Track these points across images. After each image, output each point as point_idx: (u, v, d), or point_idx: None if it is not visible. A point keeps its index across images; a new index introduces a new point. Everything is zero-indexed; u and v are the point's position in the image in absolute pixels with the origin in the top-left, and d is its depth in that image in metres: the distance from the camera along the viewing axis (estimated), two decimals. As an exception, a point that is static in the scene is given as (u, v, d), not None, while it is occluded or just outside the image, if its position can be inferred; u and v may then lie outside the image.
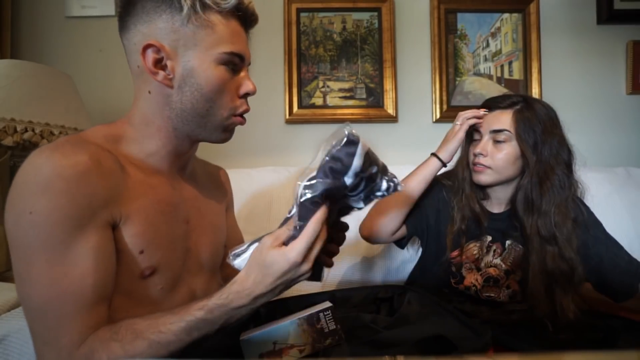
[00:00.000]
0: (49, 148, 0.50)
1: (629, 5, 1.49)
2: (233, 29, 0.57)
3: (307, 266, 0.50)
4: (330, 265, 0.59)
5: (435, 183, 0.96)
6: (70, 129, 1.11)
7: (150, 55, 0.54)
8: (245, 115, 0.63)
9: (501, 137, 0.85)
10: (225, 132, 0.62)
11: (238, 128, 0.63)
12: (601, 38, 1.53)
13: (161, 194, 0.59)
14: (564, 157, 0.85)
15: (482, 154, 0.87)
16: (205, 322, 0.50)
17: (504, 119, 0.86)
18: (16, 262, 0.48)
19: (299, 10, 1.47)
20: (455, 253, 0.92)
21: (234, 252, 0.54)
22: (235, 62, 0.58)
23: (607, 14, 1.50)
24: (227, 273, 0.77)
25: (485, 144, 0.87)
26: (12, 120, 1.01)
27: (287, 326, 0.58)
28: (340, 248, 0.60)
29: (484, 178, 0.88)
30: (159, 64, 0.55)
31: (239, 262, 0.53)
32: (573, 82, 1.53)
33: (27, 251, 0.48)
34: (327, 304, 0.61)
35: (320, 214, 0.49)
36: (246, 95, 0.61)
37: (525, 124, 0.84)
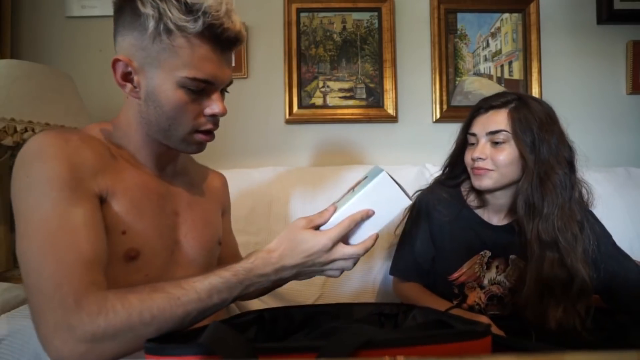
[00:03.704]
0: (44, 131, 0.56)
1: (629, 5, 1.49)
2: (201, 54, 0.55)
3: (344, 263, 0.56)
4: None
5: (424, 212, 0.94)
6: (70, 129, 1.11)
7: (119, 69, 0.58)
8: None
9: (499, 138, 0.81)
10: (190, 145, 0.62)
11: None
12: (601, 38, 1.53)
13: (148, 181, 0.62)
14: (565, 155, 0.81)
15: (481, 158, 0.82)
16: (227, 285, 0.52)
17: (499, 119, 0.82)
18: (16, 225, 0.51)
19: (299, 10, 1.47)
20: (455, 275, 0.88)
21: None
22: (201, 87, 0.57)
23: (607, 14, 1.50)
24: None
25: (483, 147, 0.83)
26: (12, 120, 1.01)
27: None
28: None
29: (486, 182, 0.83)
30: (127, 77, 0.58)
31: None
32: (573, 82, 1.53)
33: (25, 212, 0.50)
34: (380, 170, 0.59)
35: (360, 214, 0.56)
36: (213, 116, 0.61)
37: (521, 122, 0.79)
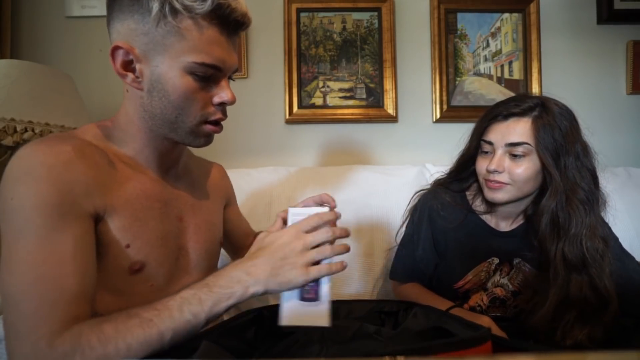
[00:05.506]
0: (36, 141, 0.51)
1: (629, 5, 1.49)
2: (209, 37, 0.53)
3: (311, 253, 0.53)
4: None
5: (426, 217, 0.90)
6: (70, 129, 1.11)
7: (119, 57, 0.53)
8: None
9: (519, 150, 0.74)
10: (198, 138, 0.59)
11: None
12: (601, 38, 1.53)
13: (150, 190, 0.59)
14: (589, 167, 0.74)
15: (497, 171, 0.76)
16: (197, 295, 0.49)
17: (520, 129, 0.74)
18: (2, 247, 0.48)
19: (299, 10, 1.47)
20: (460, 283, 0.85)
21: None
22: (209, 73, 0.54)
23: (607, 14, 1.50)
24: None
25: (500, 159, 0.76)
26: (12, 120, 1.01)
27: None
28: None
29: (500, 196, 0.77)
30: (128, 66, 0.54)
31: None
32: (573, 82, 1.53)
33: (8, 237, 0.47)
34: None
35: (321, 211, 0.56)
36: (222, 104, 0.58)
37: (545, 133, 0.71)
